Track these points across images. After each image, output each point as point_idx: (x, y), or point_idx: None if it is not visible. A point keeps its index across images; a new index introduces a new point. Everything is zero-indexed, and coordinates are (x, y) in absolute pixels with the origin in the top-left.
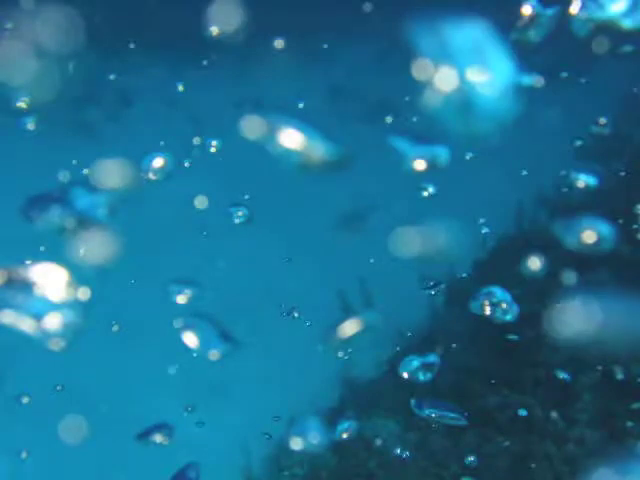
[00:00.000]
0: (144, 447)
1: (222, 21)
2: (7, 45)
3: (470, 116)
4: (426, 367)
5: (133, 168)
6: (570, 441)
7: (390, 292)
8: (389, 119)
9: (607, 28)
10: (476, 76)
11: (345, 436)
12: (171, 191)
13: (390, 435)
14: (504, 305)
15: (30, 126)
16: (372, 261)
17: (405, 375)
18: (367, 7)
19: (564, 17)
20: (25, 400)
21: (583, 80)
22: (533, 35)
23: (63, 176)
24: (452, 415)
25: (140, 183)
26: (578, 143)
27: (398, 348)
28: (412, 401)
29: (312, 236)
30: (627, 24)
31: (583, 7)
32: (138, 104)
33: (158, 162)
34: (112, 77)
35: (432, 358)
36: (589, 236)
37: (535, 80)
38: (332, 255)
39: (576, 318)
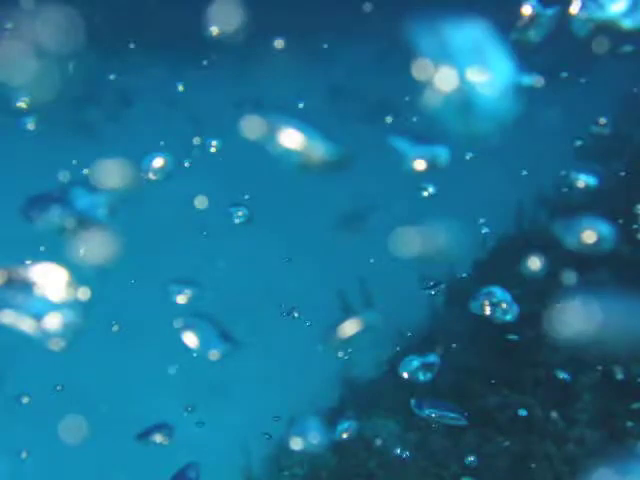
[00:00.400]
0: (144, 447)
1: (222, 21)
2: (7, 45)
3: (470, 116)
4: (426, 367)
5: (133, 168)
6: (570, 441)
7: (390, 292)
8: (389, 119)
9: (607, 28)
10: (476, 76)
11: (345, 436)
12: (171, 191)
13: (390, 435)
14: (504, 305)
15: (30, 126)
16: (372, 261)
17: (405, 375)
18: (367, 7)
19: (564, 17)
20: (25, 400)
21: (583, 80)
22: (533, 35)
23: (63, 176)
24: (452, 415)
25: (140, 183)
26: (578, 143)
27: (398, 348)
28: (412, 401)
29: (312, 236)
30: (627, 24)
31: (583, 7)
32: (138, 104)
33: (158, 162)
34: (112, 77)
35: (432, 358)
36: (589, 236)
37: (535, 80)
38: (332, 255)
39: (576, 318)
